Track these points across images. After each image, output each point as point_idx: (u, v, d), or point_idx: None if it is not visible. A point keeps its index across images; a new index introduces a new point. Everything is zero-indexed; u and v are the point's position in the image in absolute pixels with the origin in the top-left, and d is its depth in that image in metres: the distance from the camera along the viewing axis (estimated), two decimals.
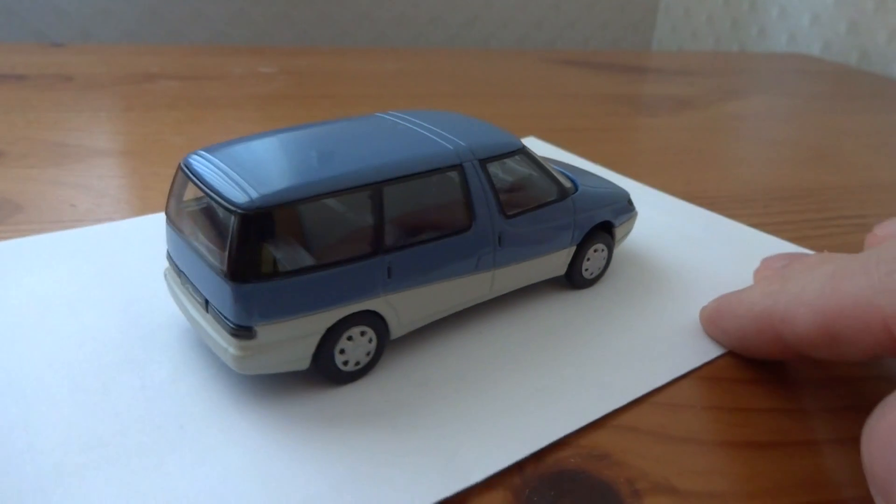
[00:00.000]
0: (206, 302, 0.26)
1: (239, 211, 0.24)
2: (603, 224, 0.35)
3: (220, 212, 0.25)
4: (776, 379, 0.30)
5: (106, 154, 0.52)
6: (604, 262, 0.36)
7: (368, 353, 0.28)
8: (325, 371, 0.27)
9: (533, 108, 0.73)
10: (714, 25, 1.33)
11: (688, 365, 0.30)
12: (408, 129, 0.31)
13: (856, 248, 0.44)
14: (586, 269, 0.35)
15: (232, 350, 0.25)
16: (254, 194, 0.24)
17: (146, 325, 0.31)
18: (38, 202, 0.43)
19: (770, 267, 0.34)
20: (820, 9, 1.10)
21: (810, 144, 0.66)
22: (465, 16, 1.40)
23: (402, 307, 0.28)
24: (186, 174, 0.27)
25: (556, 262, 0.34)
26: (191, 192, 0.28)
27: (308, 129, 0.31)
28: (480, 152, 0.30)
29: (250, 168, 0.26)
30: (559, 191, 0.33)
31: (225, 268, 0.24)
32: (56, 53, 0.82)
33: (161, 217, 0.39)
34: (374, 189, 0.26)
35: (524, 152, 0.32)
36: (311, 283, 0.25)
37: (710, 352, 0.31)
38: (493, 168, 0.30)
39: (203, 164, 0.27)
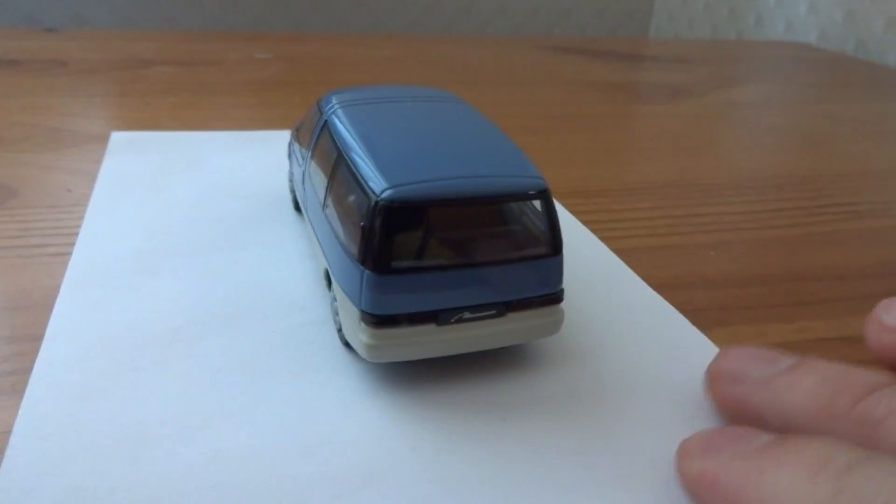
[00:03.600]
0: (507, 304, 0.26)
1: (539, 189, 0.26)
2: None
3: (503, 206, 0.27)
4: None
5: (101, 139, 0.52)
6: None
7: None
8: None
9: (529, 95, 0.73)
10: (711, 13, 1.33)
11: None
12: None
13: (848, 235, 0.44)
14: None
15: (554, 317, 0.27)
16: (531, 174, 0.26)
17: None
18: (34, 187, 0.43)
19: (741, 377, 0.23)
20: None
21: (806, 132, 0.66)
22: (461, 3, 1.39)
23: None
24: (420, 206, 0.25)
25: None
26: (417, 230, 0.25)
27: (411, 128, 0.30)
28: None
29: (477, 164, 0.26)
30: None
31: (548, 246, 0.26)
32: (49, 39, 0.82)
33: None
34: None
35: None
36: None
37: None
38: None
39: (433, 185, 0.25)
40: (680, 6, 1.42)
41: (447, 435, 0.24)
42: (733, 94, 0.79)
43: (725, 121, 0.69)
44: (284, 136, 0.53)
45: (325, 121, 0.32)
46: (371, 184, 0.25)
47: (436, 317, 0.25)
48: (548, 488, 0.23)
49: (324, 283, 0.31)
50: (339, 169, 0.28)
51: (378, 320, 0.25)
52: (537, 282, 0.26)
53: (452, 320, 0.25)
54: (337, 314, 0.28)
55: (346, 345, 0.28)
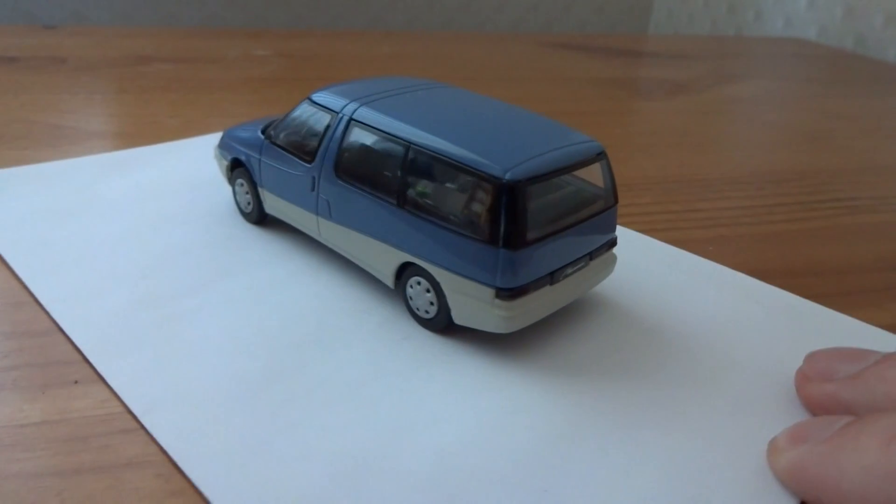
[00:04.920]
0: (591, 254, 0.30)
1: (602, 150, 0.30)
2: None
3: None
4: None
5: (101, 136, 0.52)
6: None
7: None
8: None
9: (528, 91, 0.73)
10: (710, 9, 1.33)
11: None
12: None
13: (846, 230, 0.44)
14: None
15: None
16: (588, 139, 0.30)
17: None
18: None
19: (831, 375, 0.24)
20: None
21: (805, 128, 0.66)
22: None
23: None
24: (535, 181, 0.27)
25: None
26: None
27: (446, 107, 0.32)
28: None
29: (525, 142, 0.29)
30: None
31: (611, 198, 0.31)
32: (48, 35, 0.82)
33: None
34: None
35: None
36: None
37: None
38: None
39: (537, 162, 0.27)
40: (679, 2, 1.42)
41: (595, 398, 0.27)
42: (732, 89, 0.79)
43: (724, 116, 0.69)
44: (155, 151, 0.48)
45: (351, 119, 0.32)
46: (484, 169, 0.27)
47: (551, 277, 0.28)
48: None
49: (387, 281, 0.31)
50: (416, 162, 0.29)
51: (514, 293, 0.27)
52: (606, 230, 0.31)
53: (562, 278, 0.29)
54: (433, 304, 0.30)
55: (442, 331, 0.30)
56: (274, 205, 0.37)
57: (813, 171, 0.54)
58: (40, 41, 0.78)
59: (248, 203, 0.38)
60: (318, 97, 0.34)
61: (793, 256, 0.40)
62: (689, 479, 0.23)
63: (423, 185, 0.29)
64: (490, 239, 0.27)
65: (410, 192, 0.29)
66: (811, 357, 0.25)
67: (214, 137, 0.49)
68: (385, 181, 0.30)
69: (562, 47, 0.95)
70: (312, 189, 0.33)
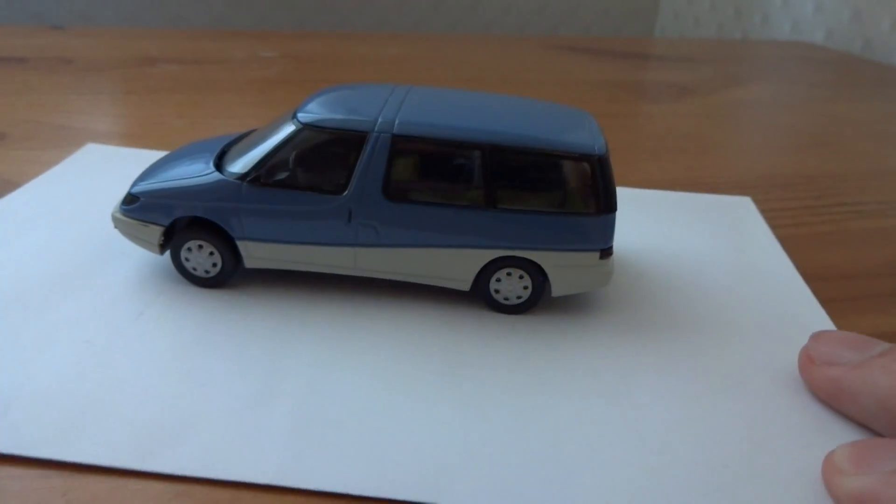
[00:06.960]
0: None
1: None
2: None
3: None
4: None
5: (107, 136, 0.52)
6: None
7: None
8: None
9: (534, 94, 0.72)
10: (717, 13, 1.33)
11: None
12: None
13: (853, 234, 0.44)
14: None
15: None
16: (577, 109, 0.34)
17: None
18: None
19: (835, 360, 0.25)
20: None
21: (811, 132, 0.66)
22: (466, 1, 1.39)
23: None
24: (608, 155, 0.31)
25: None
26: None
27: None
28: None
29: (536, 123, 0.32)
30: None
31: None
32: (56, 36, 0.82)
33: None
34: None
35: None
36: None
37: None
38: None
39: (595, 135, 0.31)
40: (685, 5, 1.42)
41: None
42: (739, 93, 0.78)
43: (731, 120, 0.69)
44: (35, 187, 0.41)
45: (394, 135, 0.30)
46: (578, 149, 0.30)
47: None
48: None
49: (463, 286, 0.32)
50: (498, 161, 0.30)
51: (611, 249, 0.32)
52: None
53: None
54: (527, 288, 0.32)
55: (523, 312, 0.32)
56: (268, 255, 0.32)
57: (820, 175, 0.54)
58: (48, 42, 0.79)
59: (214, 265, 0.32)
60: (323, 121, 0.31)
61: (799, 261, 0.40)
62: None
63: (513, 181, 0.30)
64: (597, 209, 0.30)
65: (500, 191, 0.30)
66: (817, 338, 0.26)
67: (115, 150, 0.47)
68: (462, 187, 0.31)
69: (567, 50, 0.95)
70: (349, 220, 0.31)
